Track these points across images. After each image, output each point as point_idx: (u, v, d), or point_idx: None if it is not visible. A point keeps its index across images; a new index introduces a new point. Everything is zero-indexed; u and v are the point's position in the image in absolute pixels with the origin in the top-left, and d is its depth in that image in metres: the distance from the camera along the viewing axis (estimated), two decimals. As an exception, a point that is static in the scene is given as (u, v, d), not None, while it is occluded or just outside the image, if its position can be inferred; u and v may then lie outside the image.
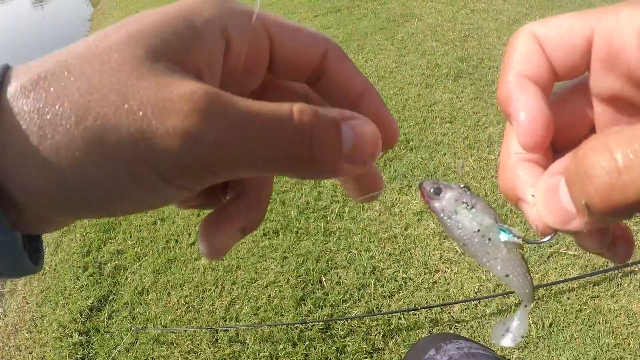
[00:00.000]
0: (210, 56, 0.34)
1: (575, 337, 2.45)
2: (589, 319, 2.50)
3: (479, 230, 0.37)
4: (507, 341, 0.41)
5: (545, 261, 2.79)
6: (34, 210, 0.31)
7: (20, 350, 3.16)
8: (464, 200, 0.38)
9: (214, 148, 0.29)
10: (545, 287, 2.63)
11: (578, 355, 2.37)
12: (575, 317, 2.52)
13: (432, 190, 0.39)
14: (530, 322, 2.51)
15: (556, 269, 2.75)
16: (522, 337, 0.40)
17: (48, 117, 0.28)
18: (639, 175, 0.26)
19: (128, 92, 0.29)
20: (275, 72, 0.40)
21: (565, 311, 2.55)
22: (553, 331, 2.48)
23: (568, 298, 2.61)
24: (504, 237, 0.37)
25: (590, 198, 0.28)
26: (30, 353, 3.10)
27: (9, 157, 0.28)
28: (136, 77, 0.29)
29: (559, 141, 0.40)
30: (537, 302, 2.59)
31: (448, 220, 0.38)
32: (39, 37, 10.83)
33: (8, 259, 0.32)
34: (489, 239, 0.38)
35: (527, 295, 0.40)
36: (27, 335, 3.24)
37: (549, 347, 2.42)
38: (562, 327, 2.49)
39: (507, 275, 0.38)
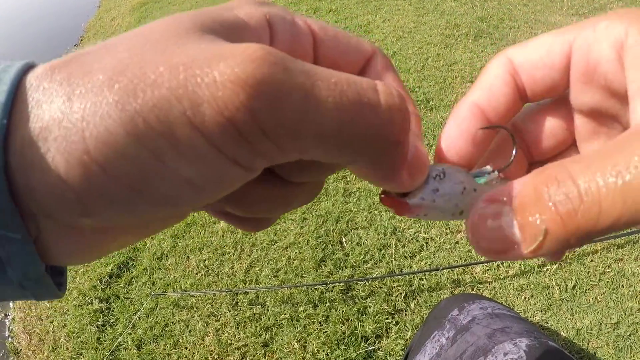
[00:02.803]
0: (259, 42, 0.30)
1: (599, 300, 2.44)
2: (612, 282, 2.49)
3: (464, 189, 0.36)
4: None
5: (569, 222, 2.77)
6: (51, 211, 0.26)
7: (42, 320, 3.22)
8: (433, 176, 0.36)
9: (273, 101, 0.24)
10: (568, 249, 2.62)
11: (601, 318, 2.36)
12: (599, 280, 2.51)
13: (397, 194, 0.36)
14: (554, 283, 2.51)
15: None
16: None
17: (76, 87, 0.25)
18: (598, 203, 0.26)
19: (174, 51, 0.26)
20: None
21: (588, 273, 2.55)
22: (576, 293, 2.48)
23: (592, 260, 2.60)
24: (481, 180, 0.37)
25: (551, 225, 0.28)
26: (52, 322, 3.16)
27: (26, 139, 0.25)
28: (183, 42, 0.27)
29: (537, 152, 0.43)
30: (560, 264, 2.59)
31: (435, 203, 0.35)
32: (50, 11, 10.78)
33: (28, 270, 0.28)
34: (475, 189, 0.36)
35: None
36: (47, 304, 3.30)
37: (572, 309, 2.42)
38: (586, 289, 2.49)
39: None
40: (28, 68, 0.27)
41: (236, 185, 0.28)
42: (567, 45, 0.37)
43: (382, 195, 0.37)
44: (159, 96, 0.24)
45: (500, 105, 0.40)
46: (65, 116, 0.24)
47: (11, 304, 3.53)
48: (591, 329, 2.34)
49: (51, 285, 0.30)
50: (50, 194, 0.25)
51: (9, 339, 3.28)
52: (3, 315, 3.48)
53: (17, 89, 0.26)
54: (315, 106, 0.25)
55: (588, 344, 2.30)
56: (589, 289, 2.50)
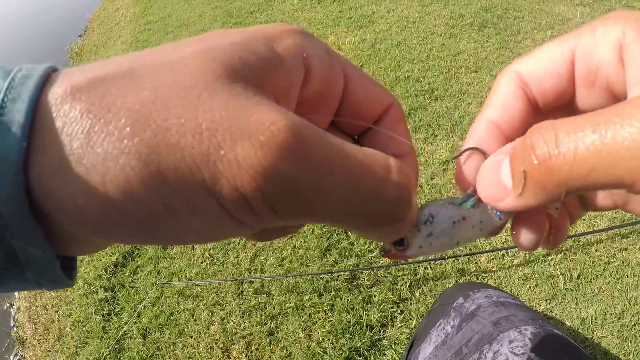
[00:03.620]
0: (290, 83, 0.32)
1: (603, 289, 2.45)
2: (617, 272, 2.50)
3: (454, 223, 0.38)
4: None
5: (573, 212, 2.76)
6: (68, 228, 0.28)
7: (47, 309, 3.27)
8: (423, 221, 0.38)
9: (287, 190, 0.27)
10: (573, 239, 2.62)
11: (606, 307, 2.37)
12: (603, 270, 2.52)
13: (394, 244, 0.38)
14: (558, 273, 2.52)
15: (584, 220, 2.73)
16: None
17: (98, 124, 0.26)
18: (573, 152, 0.28)
19: (199, 107, 0.26)
20: (339, 114, 0.39)
21: (593, 263, 2.55)
22: (581, 283, 2.48)
23: (596, 250, 2.61)
24: (468, 205, 0.39)
25: (530, 167, 0.31)
26: (57, 311, 3.20)
27: (45, 167, 0.26)
28: (209, 94, 0.27)
29: None
30: (564, 254, 2.59)
31: (432, 246, 0.38)
32: (54, 1, 10.78)
33: (46, 273, 0.29)
34: (464, 218, 0.38)
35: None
36: (53, 294, 3.34)
37: (576, 299, 2.43)
38: (590, 279, 2.50)
39: (500, 219, 0.39)
40: (45, 80, 0.28)
41: (239, 235, 0.31)
42: (570, 52, 0.38)
43: (383, 253, 0.39)
44: (181, 160, 0.25)
45: (515, 120, 0.41)
46: (86, 155, 0.25)
47: (16, 293, 3.57)
48: (596, 319, 2.34)
49: (65, 280, 0.31)
50: (67, 217, 0.27)
51: (14, 329, 3.33)
52: (8, 304, 3.53)
53: (36, 109, 0.26)
54: (325, 199, 0.28)
55: (592, 333, 2.30)
56: (593, 278, 2.50)
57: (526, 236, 0.40)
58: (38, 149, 0.26)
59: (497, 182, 0.36)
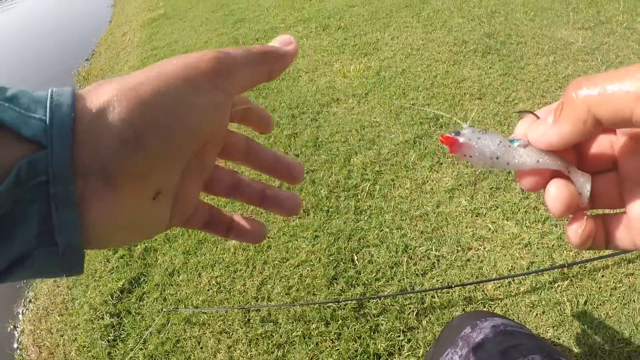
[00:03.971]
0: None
1: (610, 315, 2.44)
2: (623, 297, 2.50)
3: (500, 142, 0.46)
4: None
5: (579, 238, 2.75)
6: (114, 154, 0.38)
7: (52, 333, 3.24)
8: (478, 130, 0.47)
9: (229, 56, 0.45)
10: (579, 265, 2.62)
11: (613, 334, 2.36)
12: (610, 295, 2.52)
13: (452, 133, 0.47)
14: (565, 299, 2.51)
15: None
16: (589, 190, 0.45)
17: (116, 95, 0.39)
18: (603, 92, 0.37)
19: (172, 60, 0.44)
20: None
21: (599, 289, 2.55)
22: (588, 309, 2.48)
23: (602, 276, 2.60)
24: (516, 144, 0.46)
25: (565, 99, 0.40)
26: (62, 335, 3.18)
27: (94, 105, 0.38)
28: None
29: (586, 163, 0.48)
30: (571, 280, 2.59)
31: (476, 145, 0.46)
32: (61, 26, 10.89)
33: (72, 240, 0.39)
34: (509, 145, 0.46)
35: (562, 164, 0.45)
36: (58, 318, 3.32)
37: (583, 325, 2.42)
38: (597, 305, 2.49)
39: (538, 161, 0.44)
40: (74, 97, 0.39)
41: (223, 110, 0.45)
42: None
43: (442, 136, 0.48)
44: (181, 66, 0.42)
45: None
46: (122, 89, 0.39)
47: (20, 315, 3.57)
48: (603, 345, 2.34)
49: (82, 256, 0.40)
50: (112, 136, 0.38)
51: (18, 351, 3.32)
52: (12, 326, 3.53)
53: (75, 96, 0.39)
54: (236, 53, 0.46)
55: None
56: (600, 304, 2.50)
57: (555, 193, 0.46)
58: (84, 99, 0.39)
59: (542, 124, 0.44)
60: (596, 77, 0.38)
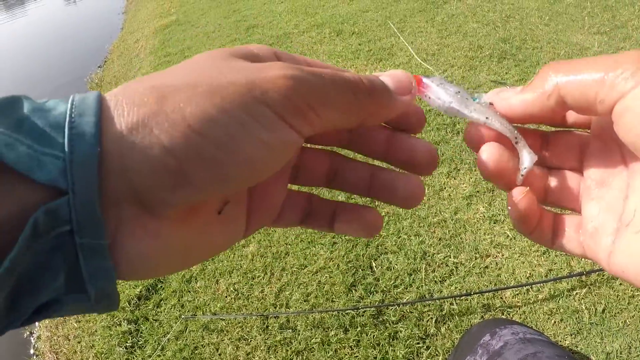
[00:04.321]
0: None
1: (628, 323, 2.45)
2: (641, 305, 2.49)
3: (459, 92, 0.48)
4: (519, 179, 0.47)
5: (597, 246, 2.74)
6: (152, 187, 0.33)
7: (69, 340, 3.26)
8: (448, 81, 0.49)
9: (311, 88, 0.36)
10: (597, 273, 2.62)
11: (630, 342, 2.37)
12: (628, 304, 2.52)
13: (424, 76, 0.50)
14: (583, 307, 2.52)
15: None
16: (527, 168, 0.46)
17: (164, 89, 0.34)
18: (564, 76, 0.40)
19: (225, 68, 0.37)
20: None
21: (617, 297, 2.55)
22: (605, 317, 2.48)
23: (620, 284, 2.60)
24: (476, 100, 0.48)
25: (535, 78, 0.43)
26: (79, 342, 3.20)
27: (125, 127, 0.32)
28: (227, 63, 0.38)
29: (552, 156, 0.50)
30: (589, 288, 2.60)
31: (437, 87, 0.49)
32: (74, 33, 10.97)
33: (105, 286, 0.34)
34: (467, 99, 0.48)
35: (511, 132, 0.46)
36: (75, 324, 3.35)
37: (601, 333, 2.42)
38: (615, 313, 2.50)
39: (487, 118, 0.46)
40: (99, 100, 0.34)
41: (293, 150, 0.38)
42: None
43: (415, 75, 0.49)
44: (236, 87, 0.34)
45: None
46: (163, 107, 0.33)
47: (37, 322, 3.59)
48: (621, 353, 2.34)
49: (116, 299, 0.36)
50: (150, 168, 0.32)
51: (34, 357, 3.35)
52: (28, 333, 3.55)
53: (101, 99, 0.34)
54: (322, 84, 0.38)
55: None
56: (618, 312, 2.50)
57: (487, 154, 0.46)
58: (110, 119, 0.33)
59: (511, 90, 0.45)
60: (572, 61, 0.40)
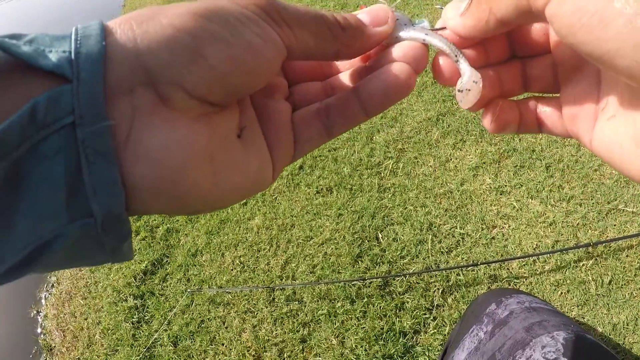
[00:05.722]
0: None
1: (635, 295, 2.47)
2: (648, 277, 2.52)
3: (404, 25, 0.47)
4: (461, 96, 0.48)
5: (603, 218, 2.79)
6: (167, 65, 0.33)
7: (76, 317, 3.35)
8: (405, 16, 0.49)
9: (285, 8, 0.39)
10: (604, 244, 2.64)
11: (637, 313, 2.40)
12: (635, 275, 2.53)
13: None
14: (590, 279, 2.55)
15: (615, 225, 2.75)
16: (475, 82, 0.46)
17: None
18: None
19: None
20: None
21: (624, 269, 2.57)
22: (612, 289, 2.51)
23: (627, 255, 2.62)
24: (419, 24, 0.48)
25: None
26: (86, 319, 3.28)
27: (136, 18, 0.34)
28: None
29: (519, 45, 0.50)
30: (595, 259, 2.62)
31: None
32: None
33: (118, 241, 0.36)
34: (405, 24, 0.47)
35: (450, 49, 0.46)
36: (81, 301, 3.43)
37: (607, 304, 2.45)
38: (622, 284, 2.52)
39: (424, 39, 0.46)
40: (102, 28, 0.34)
41: (280, 53, 0.39)
42: None
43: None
44: (226, 4, 0.37)
45: None
46: (166, 7, 0.35)
47: (43, 300, 3.65)
48: (627, 324, 2.37)
49: (127, 225, 0.35)
50: (165, 45, 0.33)
51: (42, 336, 3.40)
52: (35, 312, 3.61)
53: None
54: (296, 9, 0.40)
55: (624, 339, 2.33)
56: (624, 284, 2.52)
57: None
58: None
59: (455, 8, 0.45)
60: None
